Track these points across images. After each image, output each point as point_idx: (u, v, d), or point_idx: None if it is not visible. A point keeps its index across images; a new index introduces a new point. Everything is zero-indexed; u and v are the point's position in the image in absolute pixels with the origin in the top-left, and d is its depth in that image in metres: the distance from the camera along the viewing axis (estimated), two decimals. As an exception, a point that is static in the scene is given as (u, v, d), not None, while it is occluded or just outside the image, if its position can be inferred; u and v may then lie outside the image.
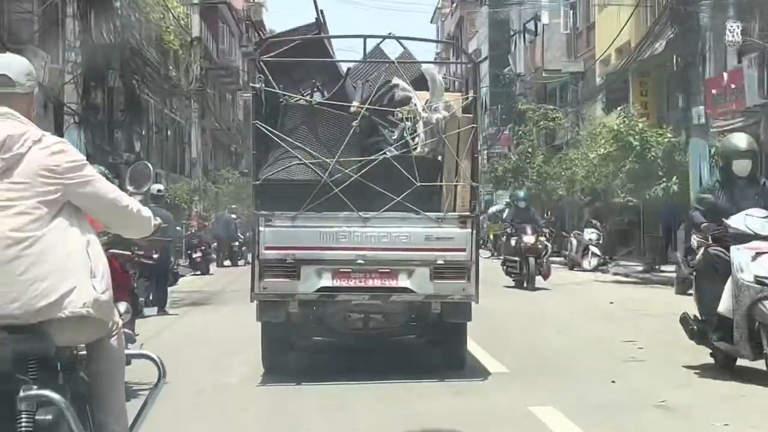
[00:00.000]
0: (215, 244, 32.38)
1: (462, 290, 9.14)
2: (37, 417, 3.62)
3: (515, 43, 49.34)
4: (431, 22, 79.63)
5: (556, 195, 34.38)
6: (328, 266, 9.08)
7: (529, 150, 37.41)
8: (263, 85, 9.28)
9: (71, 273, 3.77)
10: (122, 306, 4.06)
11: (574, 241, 28.68)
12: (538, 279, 20.31)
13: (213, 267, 29.77)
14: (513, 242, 20.96)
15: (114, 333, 4.04)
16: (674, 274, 20.55)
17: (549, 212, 36.89)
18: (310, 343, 10.63)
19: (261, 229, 9.07)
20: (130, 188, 5.04)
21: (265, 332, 9.52)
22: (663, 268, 24.25)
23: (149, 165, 5.60)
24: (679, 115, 25.38)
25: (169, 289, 16.35)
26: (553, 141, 38.74)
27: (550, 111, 35.97)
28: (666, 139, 23.71)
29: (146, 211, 4.27)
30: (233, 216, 33.61)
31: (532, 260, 20.18)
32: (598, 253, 27.65)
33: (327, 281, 9.09)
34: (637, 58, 27.36)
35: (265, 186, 9.21)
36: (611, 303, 17.10)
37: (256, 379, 9.39)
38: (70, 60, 23.34)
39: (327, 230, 9.09)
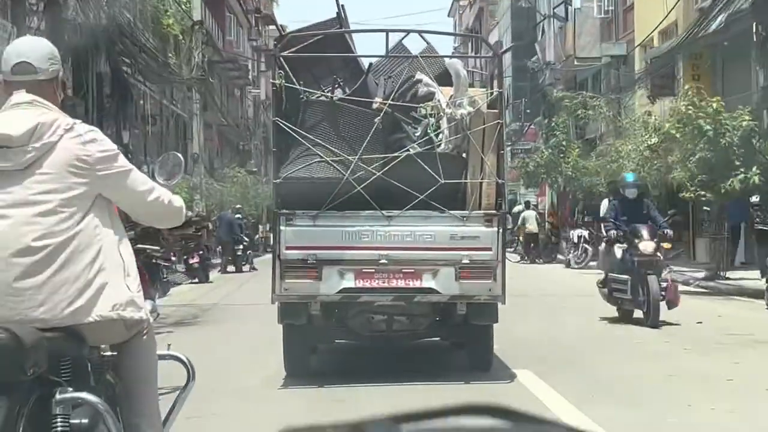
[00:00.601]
0: (219, 247, 29.93)
1: (488, 290, 8.91)
2: (72, 420, 3.47)
3: (543, 31, 45.67)
4: (448, 15, 78.51)
5: (596, 191, 30.77)
6: (351, 266, 8.89)
7: (563, 143, 34.19)
8: (284, 81, 9.09)
9: (102, 274, 3.60)
10: (149, 305, 3.93)
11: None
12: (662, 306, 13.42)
13: (214, 273, 27.25)
14: (619, 252, 14.16)
15: (146, 331, 3.87)
16: (747, 282, 17.98)
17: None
18: (332, 346, 10.42)
19: (282, 228, 8.89)
20: (159, 179, 4.84)
21: (287, 335, 9.33)
22: (728, 274, 20.75)
23: (179, 155, 5.40)
24: (759, 95, 21.95)
25: (156, 302, 11.65)
26: (584, 134, 36.15)
27: (588, 99, 32.13)
28: (744, 122, 19.87)
29: (178, 201, 4.09)
30: (238, 216, 30.89)
31: (652, 279, 13.30)
32: None
33: (349, 282, 8.89)
34: (698, 34, 24.12)
35: (286, 184, 9.01)
36: (699, 323, 13.31)
37: (278, 382, 9.20)
38: (32, 26, 19.74)
39: (349, 229, 8.89)
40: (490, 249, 8.92)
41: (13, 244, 3.50)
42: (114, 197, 3.79)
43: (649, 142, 22.67)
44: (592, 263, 26.09)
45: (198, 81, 34.46)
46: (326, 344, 10.26)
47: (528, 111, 46.50)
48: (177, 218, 4.14)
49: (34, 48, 3.83)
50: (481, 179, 9.02)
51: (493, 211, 9.01)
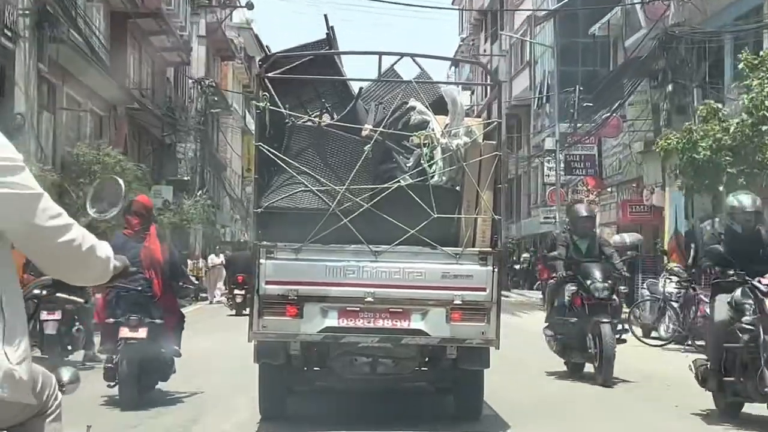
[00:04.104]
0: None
1: (481, 334, 8.34)
2: None
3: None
4: (452, 4, 65.33)
5: None
6: (335, 304, 8.31)
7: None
8: (268, 104, 8.51)
9: None
10: (66, 373, 2.93)
11: None
12: None
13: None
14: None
15: (50, 411, 2.91)
16: None
17: None
18: (311, 389, 9.78)
19: (262, 261, 8.29)
20: (91, 212, 3.91)
21: (263, 376, 8.70)
22: None
23: (120, 181, 4.27)
24: None
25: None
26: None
27: None
28: None
29: (102, 250, 2.95)
30: None
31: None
32: None
33: (333, 321, 8.31)
34: None
35: (268, 214, 8.43)
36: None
37: (251, 427, 8.55)
38: None
39: (334, 264, 8.31)
40: (484, 289, 8.36)
41: None
42: (9, 230, 2.74)
43: None
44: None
45: None
46: (305, 387, 9.61)
47: (589, 105, 32.06)
48: (99, 273, 2.98)
49: None
50: (477, 214, 8.47)
51: (489, 249, 8.45)
